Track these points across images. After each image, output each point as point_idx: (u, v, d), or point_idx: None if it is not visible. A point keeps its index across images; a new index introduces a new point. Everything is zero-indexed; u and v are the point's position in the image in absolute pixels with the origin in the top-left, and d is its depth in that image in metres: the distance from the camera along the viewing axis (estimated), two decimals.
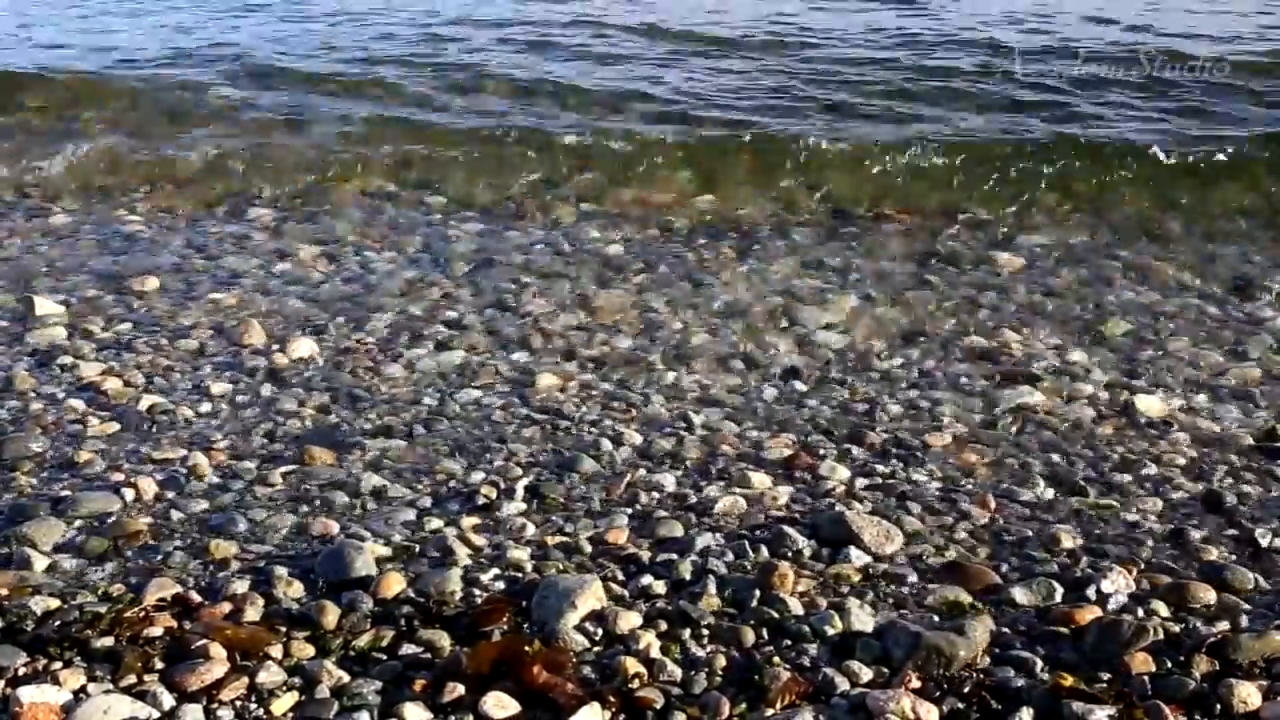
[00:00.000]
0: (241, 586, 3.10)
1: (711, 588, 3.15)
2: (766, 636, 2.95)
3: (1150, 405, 4.41)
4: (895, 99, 9.31)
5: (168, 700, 2.64)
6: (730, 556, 3.33)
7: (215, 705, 2.64)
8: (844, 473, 3.90)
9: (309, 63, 10.84)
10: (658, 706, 2.67)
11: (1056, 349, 4.95)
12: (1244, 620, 3.06)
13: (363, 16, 13.24)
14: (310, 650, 2.85)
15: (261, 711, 2.64)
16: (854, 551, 3.35)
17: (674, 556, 3.32)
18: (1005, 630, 3.01)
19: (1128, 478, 3.90)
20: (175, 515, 3.52)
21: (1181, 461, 4.02)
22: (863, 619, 3.01)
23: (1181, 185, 7.19)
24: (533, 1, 13.48)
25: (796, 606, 3.06)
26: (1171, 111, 8.82)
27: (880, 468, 3.95)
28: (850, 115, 8.90)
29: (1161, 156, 7.61)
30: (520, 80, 10.12)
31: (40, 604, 2.97)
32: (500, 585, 3.15)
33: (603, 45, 11.27)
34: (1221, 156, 7.65)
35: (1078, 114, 8.82)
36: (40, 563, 3.21)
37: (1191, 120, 8.59)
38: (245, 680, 2.71)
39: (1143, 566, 3.34)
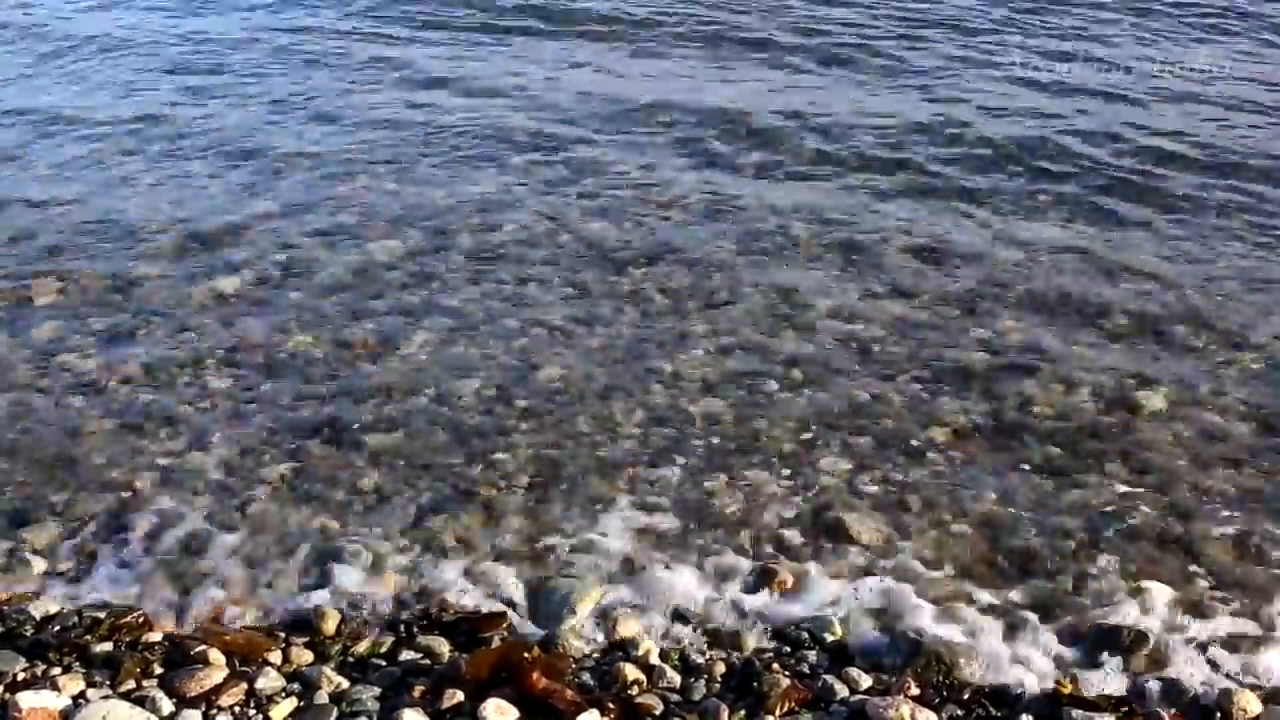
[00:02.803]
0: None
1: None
2: (766, 642, 2.95)
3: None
4: None
5: (167, 706, 2.64)
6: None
7: (214, 711, 2.65)
8: (844, 467, 3.88)
9: None
10: (657, 713, 2.68)
11: None
12: None
13: None
14: (309, 656, 2.85)
15: (260, 717, 2.64)
16: (852, 552, 3.34)
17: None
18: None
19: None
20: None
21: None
22: (863, 623, 3.01)
23: None
24: None
25: (796, 610, 3.06)
26: None
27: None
28: None
29: None
30: None
31: (40, 609, 2.97)
32: (500, 590, 3.15)
33: None
34: None
35: None
36: (39, 565, 3.21)
37: None
38: (244, 686, 2.71)
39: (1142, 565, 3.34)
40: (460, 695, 2.69)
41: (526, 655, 2.78)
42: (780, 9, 10.18)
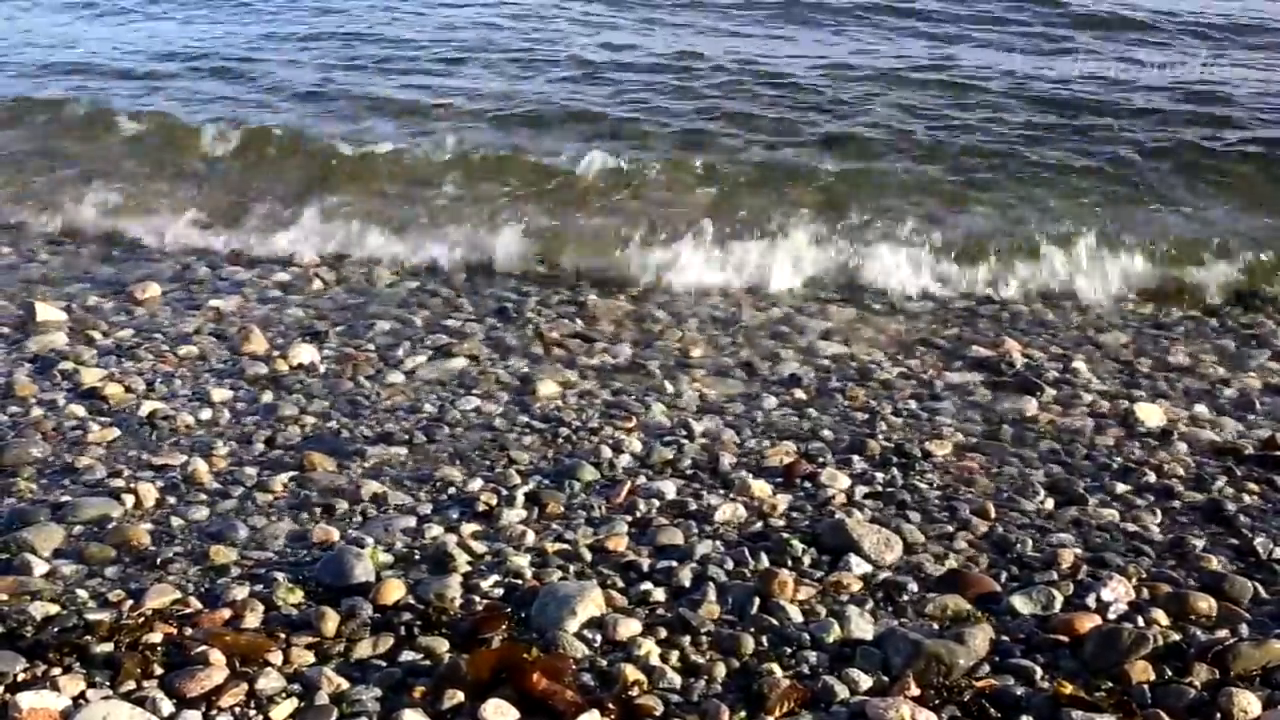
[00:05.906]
0: (241, 593, 3.10)
1: (711, 595, 3.15)
2: (766, 644, 2.95)
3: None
4: None
5: (167, 706, 2.63)
6: (730, 564, 3.33)
7: (214, 712, 2.64)
8: (844, 480, 3.89)
9: None
10: (657, 714, 2.67)
11: None
12: (1244, 629, 3.06)
13: None
14: (310, 657, 2.85)
15: (261, 718, 2.63)
16: (854, 559, 3.35)
17: (674, 563, 3.32)
18: (1005, 638, 3.01)
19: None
20: (175, 521, 3.52)
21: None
22: (862, 627, 3.01)
23: None
24: None
25: (796, 614, 3.06)
26: None
27: (880, 475, 3.95)
28: None
29: None
30: None
31: (40, 609, 2.96)
32: (500, 592, 3.15)
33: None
34: None
35: None
36: (40, 568, 3.21)
37: None
38: (245, 687, 2.70)
39: (1143, 575, 3.34)
40: (460, 696, 2.69)
41: (526, 656, 2.78)
42: None
